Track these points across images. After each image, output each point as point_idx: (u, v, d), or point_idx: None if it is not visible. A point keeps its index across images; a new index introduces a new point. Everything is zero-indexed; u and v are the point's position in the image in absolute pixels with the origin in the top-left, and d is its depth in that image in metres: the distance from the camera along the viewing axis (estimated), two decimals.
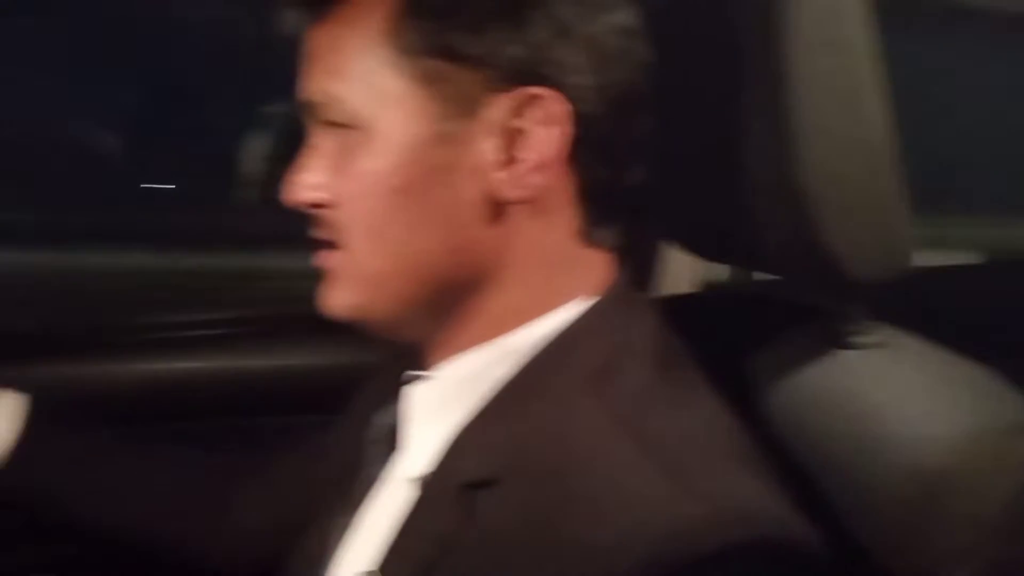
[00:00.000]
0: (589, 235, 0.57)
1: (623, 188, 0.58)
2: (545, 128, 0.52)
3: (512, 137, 0.52)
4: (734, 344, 0.63)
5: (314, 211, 0.57)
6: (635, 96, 0.56)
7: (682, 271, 1.12)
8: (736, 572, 0.43)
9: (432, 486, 0.55)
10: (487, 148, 0.52)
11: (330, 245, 0.57)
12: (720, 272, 0.83)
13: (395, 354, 0.65)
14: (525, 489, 0.49)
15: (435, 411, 0.58)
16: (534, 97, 0.51)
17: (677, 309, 0.61)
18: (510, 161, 0.52)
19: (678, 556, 0.43)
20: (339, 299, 0.57)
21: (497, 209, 0.53)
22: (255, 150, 1.50)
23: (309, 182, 0.56)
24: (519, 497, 0.49)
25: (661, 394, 0.52)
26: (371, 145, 0.53)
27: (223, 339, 1.11)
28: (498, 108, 0.52)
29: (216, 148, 1.61)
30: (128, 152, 1.60)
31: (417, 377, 0.60)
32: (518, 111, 0.52)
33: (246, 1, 1.59)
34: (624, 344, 0.55)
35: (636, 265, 0.62)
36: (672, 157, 0.65)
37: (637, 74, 0.56)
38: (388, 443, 0.62)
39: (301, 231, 0.60)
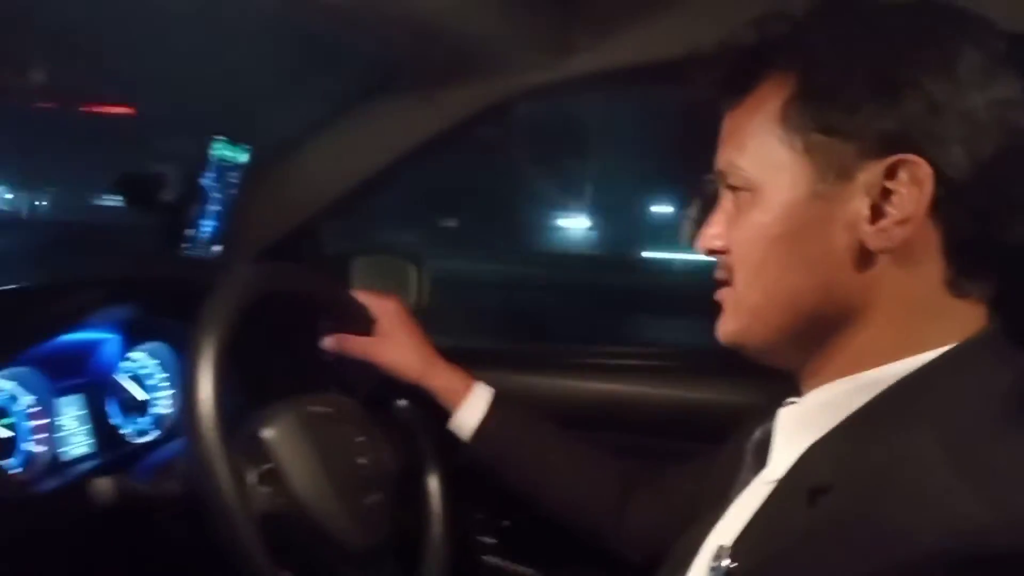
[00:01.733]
0: (957, 285, 0.62)
1: (994, 243, 0.61)
2: (910, 189, 0.59)
3: (881, 195, 0.61)
4: None
5: (715, 256, 0.72)
6: (1007, 160, 0.60)
7: None
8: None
9: (783, 487, 0.64)
10: (858, 205, 0.62)
11: (724, 284, 0.71)
12: None
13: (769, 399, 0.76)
14: (849, 498, 0.56)
15: (798, 429, 0.67)
16: (903, 162, 0.60)
17: None
18: (878, 216, 0.61)
19: (962, 552, 0.47)
20: (725, 327, 0.71)
21: (864, 257, 0.62)
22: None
23: (712, 232, 0.72)
24: (844, 503, 0.56)
25: (1002, 432, 0.55)
26: (760, 203, 0.66)
27: (657, 370, 1.31)
28: (870, 173, 0.61)
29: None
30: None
31: (789, 402, 0.70)
32: (888, 174, 0.60)
33: None
34: (977, 386, 0.58)
35: (1012, 315, 0.64)
36: None
37: (1012, 140, 0.60)
38: (760, 454, 0.72)
39: None
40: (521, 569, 1.27)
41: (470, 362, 1.10)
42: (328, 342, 1.06)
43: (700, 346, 1.35)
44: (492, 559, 1.28)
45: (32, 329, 0.96)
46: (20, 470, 0.96)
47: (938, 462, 0.53)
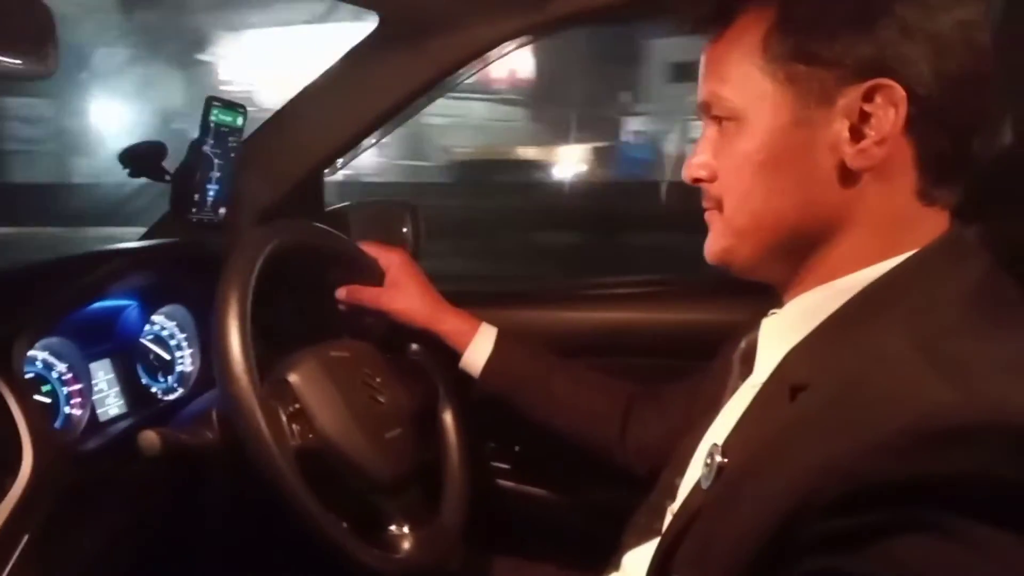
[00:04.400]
0: (927, 195, 0.68)
1: (961, 154, 0.67)
2: (886, 110, 0.65)
3: (859, 118, 0.66)
4: None
5: (701, 184, 0.77)
6: (971, 78, 0.65)
7: None
8: (977, 451, 0.51)
9: (767, 388, 0.71)
10: (839, 129, 0.67)
11: (711, 209, 0.77)
12: None
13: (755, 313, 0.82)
14: (826, 391, 0.62)
15: (780, 336, 0.73)
16: (879, 86, 0.65)
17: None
18: (857, 138, 0.66)
19: (930, 428, 0.53)
20: (714, 247, 0.77)
21: (845, 176, 0.68)
22: None
23: (697, 162, 0.77)
24: (822, 396, 0.62)
25: (967, 328, 0.61)
26: (744, 131, 0.71)
27: (648, 296, 1.37)
28: (849, 97, 0.66)
29: None
30: None
31: (772, 313, 0.77)
32: (866, 98, 0.65)
33: None
34: (941, 284, 0.65)
35: (973, 218, 0.70)
36: None
37: (975, 59, 0.65)
38: (746, 362, 0.79)
39: None
40: (533, 490, 1.36)
41: (473, 303, 1.16)
42: (341, 293, 1.13)
43: (687, 274, 1.41)
44: (506, 483, 1.37)
45: (60, 301, 1.01)
46: (65, 432, 1.03)
47: (907, 355, 0.59)
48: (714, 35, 0.74)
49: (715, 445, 0.71)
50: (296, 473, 0.86)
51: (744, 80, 0.70)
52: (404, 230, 1.32)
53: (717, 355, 0.93)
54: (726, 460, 0.69)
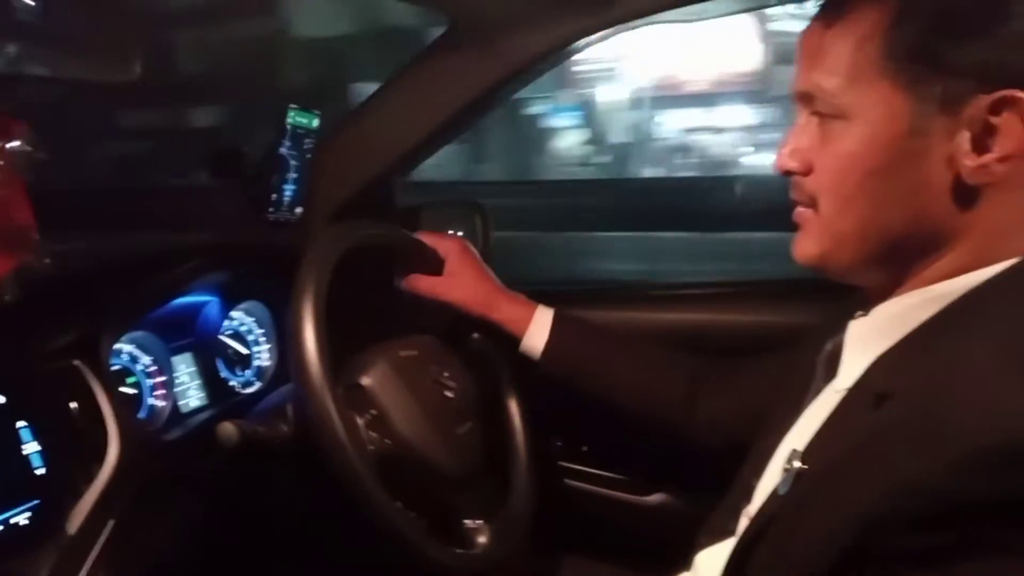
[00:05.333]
0: None
1: None
2: (1014, 125, 0.60)
3: (984, 131, 0.61)
4: None
5: (791, 176, 0.73)
6: None
7: None
8: None
9: (852, 395, 0.68)
10: (959, 141, 0.62)
11: (803, 205, 0.72)
12: None
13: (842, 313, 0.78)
14: (912, 402, 0.60)
15: (867, 340, 0.70)
16: (1010, 99, 0.60)
17: None
18: (980, 151, 0.62)
19: (1013, 449, 0.51)
20: (806, 248, 0.72)
21: (960, 190, 0.63)
22: None
23: (790, 152, 0.71)
24: (907, 407, 0.60)
25: None
26: (852, 133, 0.66)
27: (720, 297, 1.35)
28: (975, 107, 0.61)
29: None
30: None
31: (859, 315, 0.74)
32: (994, 110, 0.61)
33: None
34: None
35: None
36: None
37: None
38: (830, 365, 0.77)
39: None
40: (601, 491, 1.34)
41: (547, 303, 1.16)
42: (400, 285, 1.14)
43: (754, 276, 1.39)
44: (574, 483, 1.36)
45: (145, 297, 1.05)
46: (148, 422, 1.07)
47: (995, 369, 0.56)
48: (823, 17, 0.68)
49: (794, 451, 0.70)
50: (374, 479, 0.87)
51: (858, 77, 0.65)
52: (472, 230, 1.33)
53: (796, 352, 0.91)
54: (805, 467, 0.67)
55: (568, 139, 7.08)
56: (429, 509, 0.97)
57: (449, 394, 1.02)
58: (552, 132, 6.92)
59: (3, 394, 0.83)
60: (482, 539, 1.01)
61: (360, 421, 0.93)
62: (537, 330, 1.11)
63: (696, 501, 0.90)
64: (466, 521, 1.02)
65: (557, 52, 1.23)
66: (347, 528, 0.97)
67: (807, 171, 0.70)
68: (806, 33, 0.69)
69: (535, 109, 6.91)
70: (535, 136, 6.88)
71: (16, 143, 0.76)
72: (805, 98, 0.70)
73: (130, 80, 0.83)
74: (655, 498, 1.30)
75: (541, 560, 1.26)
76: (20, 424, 0.85)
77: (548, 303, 1.15)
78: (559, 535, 1.27)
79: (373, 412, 0.95)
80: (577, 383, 1.12)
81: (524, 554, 1.10)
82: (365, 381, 0.96)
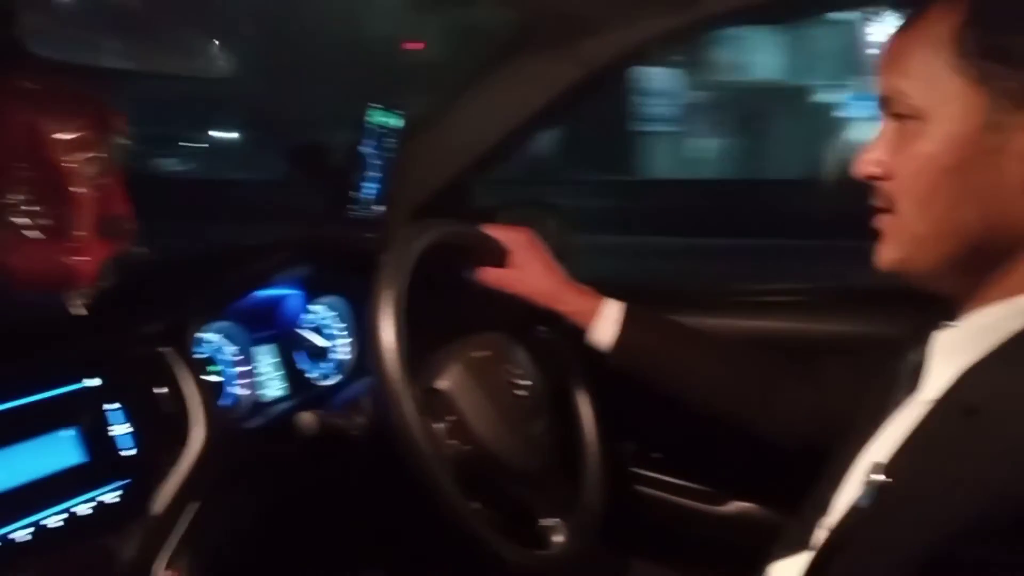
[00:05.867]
0: None
1: None
2: None
3: None
4: None
5: (873, 182, 0.72)
6: None
7: None
8: None
9: (938, 408, 0.66)
10: None
11: (883, 211, 0.72)
12: None
13: (922, 324, 0.77)
14: (1003, 415, 0.58)
15: (954, 352, 0.69)
16: None
17: None
18: None
19: None
20: (887, 254, 0.72)
21: None
22: None
23: (871, 158, 0.72)
24: (998, 421, 0.58)
25: None
26: (927, 132, 0.66)
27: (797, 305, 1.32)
28: None
29: None
30: None
31: (945, 325, 0.72)
32: None
33: None
34: None
35: None
36: None
37: None
38: (914, 376, 0.75)
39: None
40: (674, 498, 1.33)
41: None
42: (468, 278, 1.14)
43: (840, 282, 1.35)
44: (647, 489, 1.35)
45: (231, 288, 1.09)
46: (231, 409, 1.10)
47: None
48: (902, 25, 0.70)
49: (877, 464, 0.68)
50: (452, 483, 0.89)
51: (931, 76, 0.65)
52: (546, 231, 1.34)
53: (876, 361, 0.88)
54: (889, 479, 0.65)
55: (866, 132, 6.45)
56: (505, 509, 0.98)
57: (522, 392, 1.03)
58: (845, 123, 5.86)
59: (98, 377, 0.87)
60: (558, 538, 1.02)
61: (438, 427, 0.95)
62: (605, 322, 1.09)
63: (769, 513, 0.88)
64: (541, 520, 1.03)
65: (638, 55, 1.23)
66: (420, 521, 0.98)
67: (888, 176, 0.70)
68: (887, 41, 0.70)
69: (826, 97, 6.28)
70: (826, 128, 5.92)
71: (116, 135, 0.80)
72: (886, 102, 0.70)
73: (220, 75, 0.86)
74: (727, 508, 1.28)
75: (610, 564, 1.25)
76: (112, 406, 0.88)
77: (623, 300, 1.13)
78: (629, 541, 1.26)
79: (451, 418, 0.96)
80: (647, 377, 1.10)
81: (594, 556, 1.10)
82: (442, 385, 0.98)
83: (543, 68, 1.26)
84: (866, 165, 0.72)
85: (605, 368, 1.11)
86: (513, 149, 1.38)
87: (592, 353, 1.11)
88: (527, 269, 1.13)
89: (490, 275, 1.13)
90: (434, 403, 0.96)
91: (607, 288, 1.15)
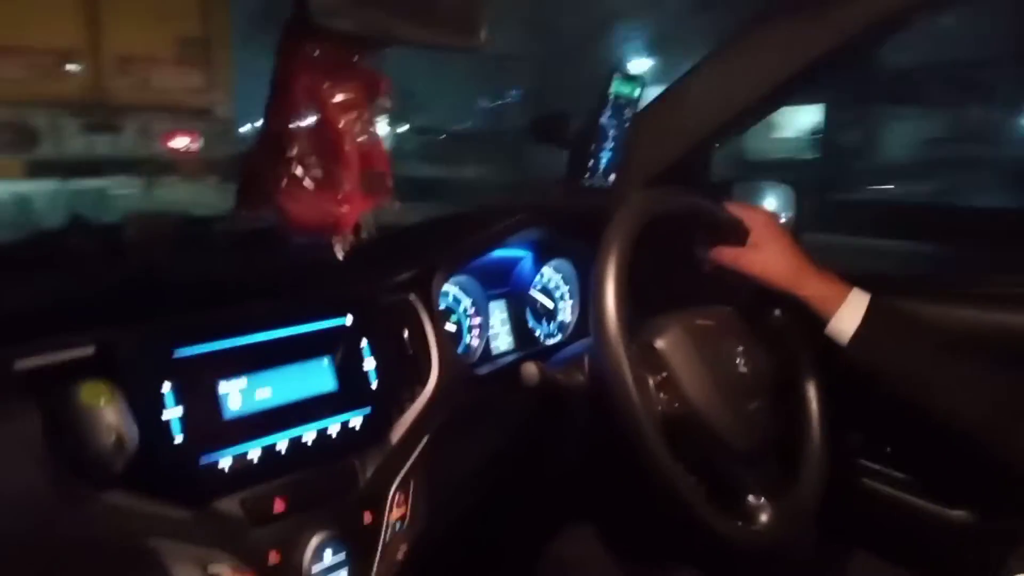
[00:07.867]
0: None
1: None
2: None
3: None
4: None
5: None
6: None
7: None
8: None
9: None
10: None
11: None
12: None
13: None
14: None
15: None
16: None
17: None
18: None
19: None
20: None
21: None
22: None
23: None
24: None
25: None
26: None
27: None
28: None
29: None
30: None
31: None
32: None
33: None
34: None
35: None
36: None
37: None
38: None
39: None
40: (903, 496, 1.25)
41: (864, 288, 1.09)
42: (703, 254, 1.13)
43: None
44: (873, 483, 1.27)
45: (471, 246, 1.17)
46: (464, 356, 1.19)
47: None
48: None
49: None
50: (661, 438, 0.90)
51: None
52: (787, 208, 1.29)
53: None
54: None
55: None
56: (711, 477, 0.97)
57: (743, 369, 1.02)
58: None
59: (352, 314, 0.97)
60: (764, 517, 1.00)
61: (651, 380, 0.96)
62: (849, 313, 1.04)
63: (1006, 523, 0.80)
64: (749, 497, 1.01)
65: (896, 21, 1.14)
66: (629, 481, 1.01)
67: None
68: None
69: None
70: None
71: (381, 98, 0.88)
72: None
73: (477, 47, 0.92)
74: (960, 513, 1.18)
75: (829, 553, 1.21)
76: (362, 343, 0.99)
77: (866, 287, 1.07)
78: (850, 532, 1.20)
79: (664, 374, 0.97)
80: (882, 377, 1.04)
81: (811, 543, 1.06)
82: (659, 343, 0.99)
83: (795, 34, 1.22)
84: None
85: (838, 358, 1.06)
86: (753, 120, 1.34)
87: (826, 340, 1.07)
88: (766, 250, 1.09)
89: (726, 253, 1.11)
90: (649, 358, 0.98)
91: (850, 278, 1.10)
